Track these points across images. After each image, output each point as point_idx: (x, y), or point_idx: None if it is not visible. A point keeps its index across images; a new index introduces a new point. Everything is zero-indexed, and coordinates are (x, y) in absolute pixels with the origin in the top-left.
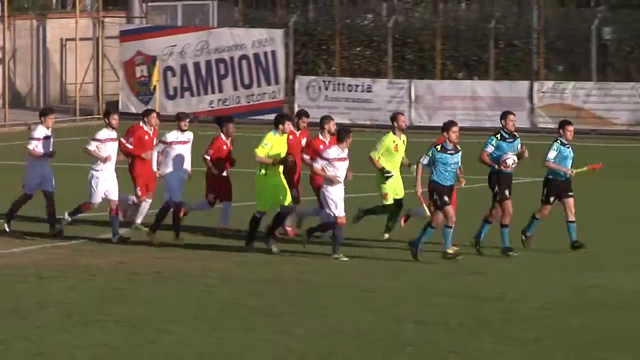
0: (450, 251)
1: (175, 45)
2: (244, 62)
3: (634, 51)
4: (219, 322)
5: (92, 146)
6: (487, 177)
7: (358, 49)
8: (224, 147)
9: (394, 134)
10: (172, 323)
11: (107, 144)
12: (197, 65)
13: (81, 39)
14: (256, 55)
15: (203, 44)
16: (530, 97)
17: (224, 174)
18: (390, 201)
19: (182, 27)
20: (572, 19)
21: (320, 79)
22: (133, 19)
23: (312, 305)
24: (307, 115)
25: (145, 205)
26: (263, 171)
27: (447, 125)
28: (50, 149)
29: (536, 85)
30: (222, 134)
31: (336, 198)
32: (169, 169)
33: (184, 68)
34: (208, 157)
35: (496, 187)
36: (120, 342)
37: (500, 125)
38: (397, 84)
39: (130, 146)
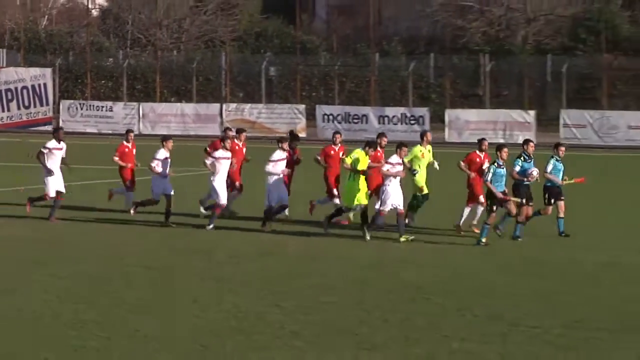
0: (484, 240)
1: None
2: (24, 91)
3: (291, 83)
4: (2, 269)
5: (209, 161)
6: (512, 187)
7: (103, 81)
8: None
9: (421, 145)
10: None
11: (221, 161)
12: None
13: None
14: (33, 86)
15: None
16: (221, 114)
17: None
18: (425, 191)
19: None
20: (248, 61)
21: (77, 102)
22: None
23: (72, 257)
24: (340, 134)
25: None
26: (351, 178)
27: (500, 147)
28: (168, 168)
29: (224, 106)
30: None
31: (391, 195)
32: (273, 180)
33: None
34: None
35: (517, 196)
36: None
37: (522, 149)
38: (130, 105)
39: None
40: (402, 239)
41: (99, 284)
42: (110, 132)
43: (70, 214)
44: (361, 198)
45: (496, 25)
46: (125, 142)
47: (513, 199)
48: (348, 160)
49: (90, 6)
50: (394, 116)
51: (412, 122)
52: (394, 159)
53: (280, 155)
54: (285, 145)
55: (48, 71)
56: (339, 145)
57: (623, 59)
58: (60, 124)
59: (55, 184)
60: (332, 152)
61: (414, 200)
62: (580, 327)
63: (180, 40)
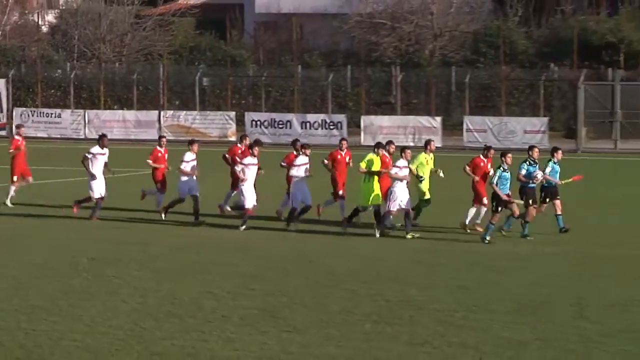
0: (488, 238)
1: None
2: None
3: (222, 93)
4: None
5: (239, 167)
6: (519, 190)
7: (52, 91)
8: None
9: (425, 153)
10: None
11: (250, 167)
12: None
13: None
14: None
15: None
16: (159, 121)
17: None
18: (428, 196)
19: None
20: (184, 72)
21: (29, 109)
22: None
23: (23, 248)
24: (346, 140)
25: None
26: (366, 180)
27: (505, 153)
28: (195, 169)
29: (162, 113)
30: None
31: (398, 196)
32: (296, 183)
33: None
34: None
35: (524, 197)
36: None
37: (528, 155)
38: (76, 112)
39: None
40: (408, 236)
41: (47, 272)
42: (59, 136)
43: (25, 210)
44: (375, 199)
45: (406, 40)
46: (158, 147)
47: (516, 201)
48: (363, 165)
49: (40, 23)
50: (315, 122)
51: (332, 127)
52: (401, 162)
53: (302, 160)
54: (308, 152)
55: (2, 82)
56: (345, 150)
57: (519, 70)
58: (14, 129)
59: (98, 187)
60: (339, 156)
61: (421, 204)
62: (480, 310)
63: (122, 53)
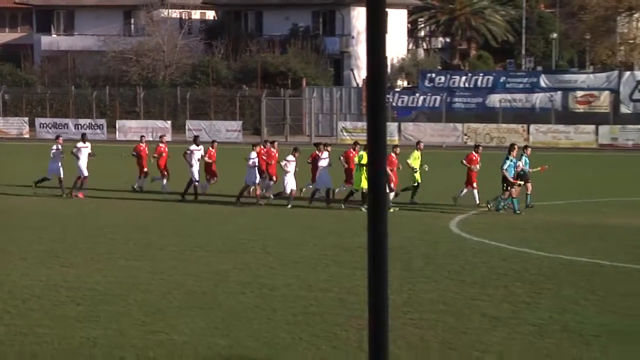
0: (518, 212)
1: None
2: None
3: (19, 104)
4: None
5: (284, 163)
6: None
7: None
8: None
9: (417, 150)
10: None
11: (291, 162)
12: None
13: None
14: None
15: None
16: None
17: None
18: (419, 180)
19: None
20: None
21: None
22: None
23: None
24: (359, 145)
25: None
26: (358, 171)
27: (512, 146)
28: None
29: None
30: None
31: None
32: (321, 172)
33: None
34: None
35: (519, 179)
36: None
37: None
38: None
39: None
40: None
41: None
42: None
43: None
44: (365, 184)
45: (146, 69)
46: (211, 148)
47: (518, 182)
48: (356, 159)
49: None
50: (84, 124)
51: (96, 128)
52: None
53: (325, 155)
54: (329, 148)
55: None
56: (356, 151)
57: (223, 90)
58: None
59: (195, 172)
60: (351, 154)
61: (415, 188)
62: (200, 250)
63: None
